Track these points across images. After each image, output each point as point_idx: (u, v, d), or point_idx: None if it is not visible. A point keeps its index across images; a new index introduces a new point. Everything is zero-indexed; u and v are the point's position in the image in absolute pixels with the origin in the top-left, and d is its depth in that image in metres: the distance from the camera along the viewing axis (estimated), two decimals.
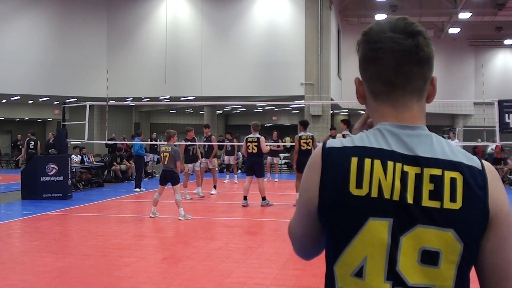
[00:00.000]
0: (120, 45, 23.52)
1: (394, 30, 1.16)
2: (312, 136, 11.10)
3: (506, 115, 11.74)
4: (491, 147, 18.67)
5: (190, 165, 12.87)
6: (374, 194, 1.11)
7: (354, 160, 1.13)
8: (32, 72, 22.10)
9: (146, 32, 23.33)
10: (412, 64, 1.17)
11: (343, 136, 11.42)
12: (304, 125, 11.29)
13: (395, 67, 1.16)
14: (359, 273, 1.13)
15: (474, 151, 17.90)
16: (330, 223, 1.16)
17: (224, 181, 17.43)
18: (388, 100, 1.19)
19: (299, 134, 11.08)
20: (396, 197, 1.11)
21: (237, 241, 7.76)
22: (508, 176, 17.21)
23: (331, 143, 1.19)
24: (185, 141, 12.84)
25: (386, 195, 1.11)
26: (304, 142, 10.94)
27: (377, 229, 1.11)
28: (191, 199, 12.43)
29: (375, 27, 1.20)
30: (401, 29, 1.16)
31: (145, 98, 24.12)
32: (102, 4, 23.62)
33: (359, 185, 1.12)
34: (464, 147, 13.94)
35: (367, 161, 1.13)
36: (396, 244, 1.10)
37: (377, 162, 1.12)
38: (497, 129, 12.04)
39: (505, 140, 13.22)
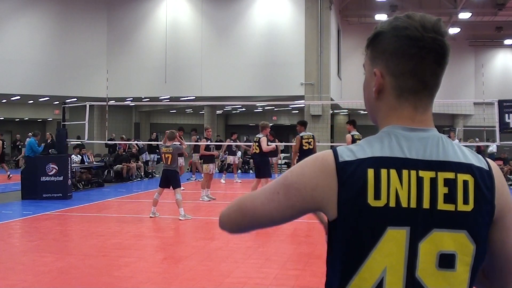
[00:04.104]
0: (120, 45, 23.51)
1: (437, 31, 1.17)
2: (313, 135, 11.15)
3: (506, 115, 11.76)
4: (491, 147, 18.64)
5: (211, 165, 12.60)
6: (392, 204, 1.12)
7: (370, 172, 1.13)
8: (32, 72, 22.09)
9: (146, 32, 23.32)
10: (442, 66, 1.20)
11: (352, 136, 11.36)
12: (304, 125, 11.32)
13: (433, 68, 1.18)
14: (379, 286, 1.12)
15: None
16: (347, 239, 1.14)
17: (222, 181, 17.37)
18: (413, 100, 1.19)
19: (301, 134, 11.06)
20: (413, 204, 1.12)
21: (237, 241, 7.75)
22: (508, 176, 17.19)
23: (343, 154, 1.16)
24: (206, 141, 12.77)
25: (404, 204, 1.12)
26: (306, 142, 10.95)
27: (396, 238, 1.12)
28: (215, 199, 12.35)
29: (412, 22, 1.17)
30: (441, 31, 1.18)
31: (145, 98, 24.13)
32: (102, 4, 23.62)
33: (377, 196, 1.12)
34: None
35: (383, 172, 1.13)
36: (415, 251, 1.12)
37: (393, 172, 1.13)
38: (497, 129, 12.05)
39: (505, 140, 13.22)
